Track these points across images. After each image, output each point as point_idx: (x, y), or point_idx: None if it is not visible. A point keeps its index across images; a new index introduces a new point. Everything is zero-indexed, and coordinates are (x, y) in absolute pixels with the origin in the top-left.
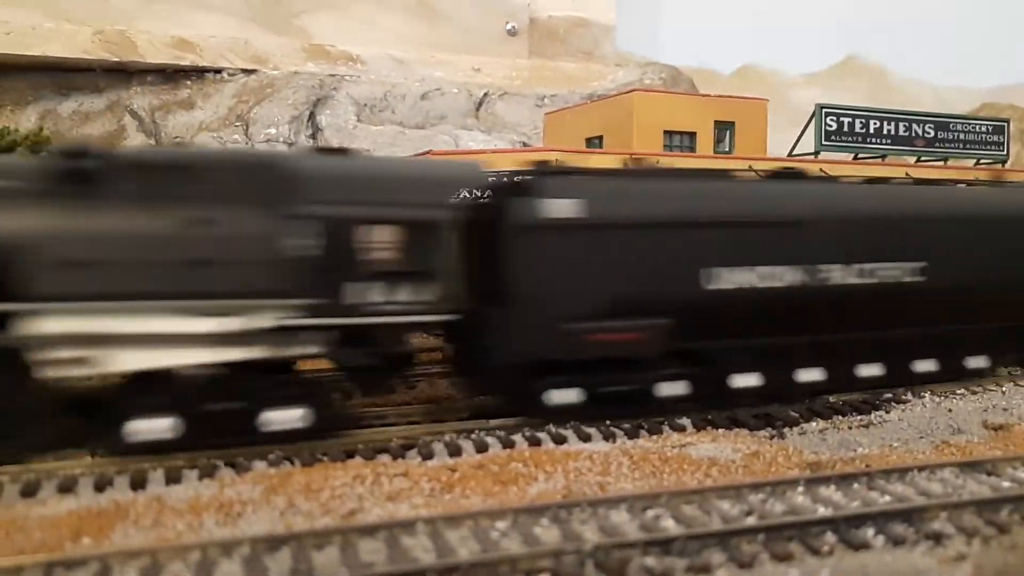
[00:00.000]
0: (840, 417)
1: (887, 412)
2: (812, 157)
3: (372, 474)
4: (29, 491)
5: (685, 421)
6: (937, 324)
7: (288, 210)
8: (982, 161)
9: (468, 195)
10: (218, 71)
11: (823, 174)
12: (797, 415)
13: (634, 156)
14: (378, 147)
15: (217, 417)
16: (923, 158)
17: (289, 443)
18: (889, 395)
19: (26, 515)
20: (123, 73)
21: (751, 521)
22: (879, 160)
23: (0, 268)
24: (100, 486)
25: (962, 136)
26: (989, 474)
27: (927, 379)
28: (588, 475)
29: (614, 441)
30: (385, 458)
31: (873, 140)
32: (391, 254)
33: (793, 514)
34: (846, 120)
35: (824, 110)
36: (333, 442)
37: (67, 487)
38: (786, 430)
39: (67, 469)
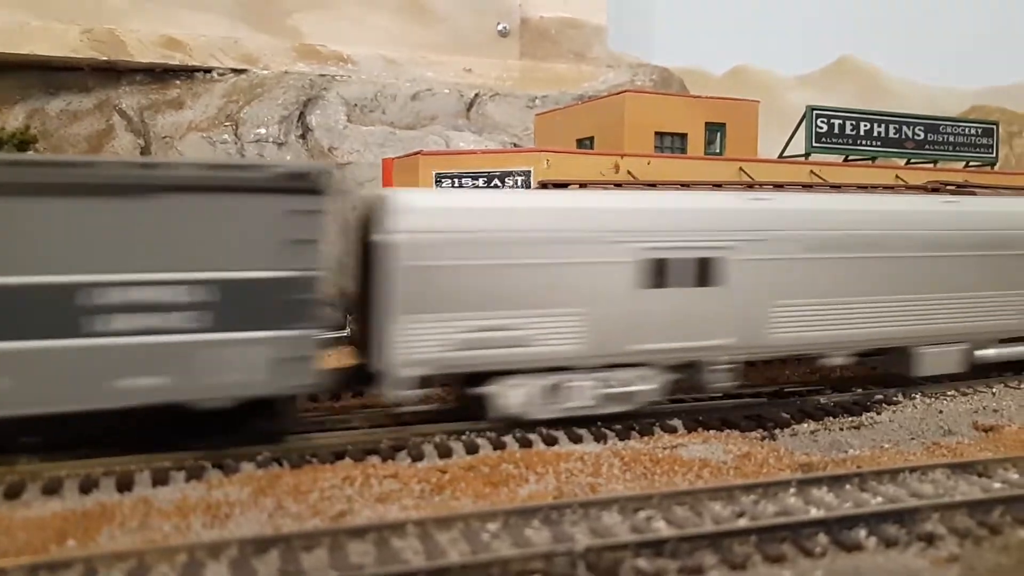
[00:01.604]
0: (831, 418)
1: (878, 413)
2: (803, 159)
3: (362, 476)
4: (13, 493)
5: (676, 422)
6: None
7: None
8: (971, 163)
9: None
10: (208, 71)
11: None
12: (788, 416)
13: None
14: (368, 147)
15: None
16: (913, 160)
17: None
18: (880, 396)
19: (10, 517)
20: (112, 72)
21: (743, 522)
22: (869, 162)
23: None
24: (86, 487)
25: (951, 138)
26: (980, 475)
27: None
28: (579, 476)
29: (605, 442)
30: (375, 459)
31: (863, 142)
32: None
33: (785, 515)
34: (836, 122)
35: (815, 112)
36: (321, 443)
37: (52, 489)
38: (777, 431)
39: (52, 471)
